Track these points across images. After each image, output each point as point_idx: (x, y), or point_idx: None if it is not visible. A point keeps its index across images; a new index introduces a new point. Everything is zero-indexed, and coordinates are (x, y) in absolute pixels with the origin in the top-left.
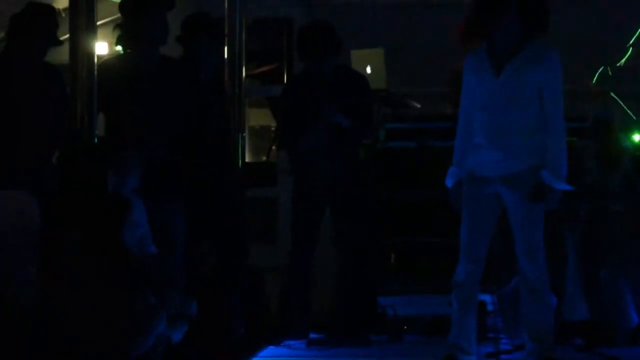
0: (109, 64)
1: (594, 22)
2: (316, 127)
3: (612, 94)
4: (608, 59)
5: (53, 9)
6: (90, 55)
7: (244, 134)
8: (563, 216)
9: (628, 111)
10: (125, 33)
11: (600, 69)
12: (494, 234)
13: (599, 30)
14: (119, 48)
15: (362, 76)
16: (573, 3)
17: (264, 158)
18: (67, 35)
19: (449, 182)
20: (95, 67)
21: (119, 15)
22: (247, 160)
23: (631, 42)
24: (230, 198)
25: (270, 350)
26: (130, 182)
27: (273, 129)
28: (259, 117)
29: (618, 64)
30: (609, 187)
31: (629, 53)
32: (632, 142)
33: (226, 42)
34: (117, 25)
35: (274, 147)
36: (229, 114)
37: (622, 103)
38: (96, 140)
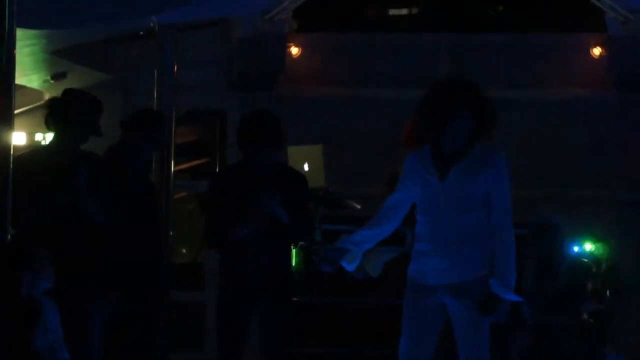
0: (27, 158)
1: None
2: (253, 217)
3: None
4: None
5: None
6: (7, 147)
7: (171, 233)
8: (507, 327)
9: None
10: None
11: None
12: (437, 347)
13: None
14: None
15: (301, 174)
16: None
17: (192, 259)
18: None
19: (339, 243)
20: (12, 160)
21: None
22: (173, 260)
23: None
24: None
25: None
26: (43, 283)
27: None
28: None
29: None
30: (549, 297)
31: None
32: (577, 250)
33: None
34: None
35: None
36: (158, 209)
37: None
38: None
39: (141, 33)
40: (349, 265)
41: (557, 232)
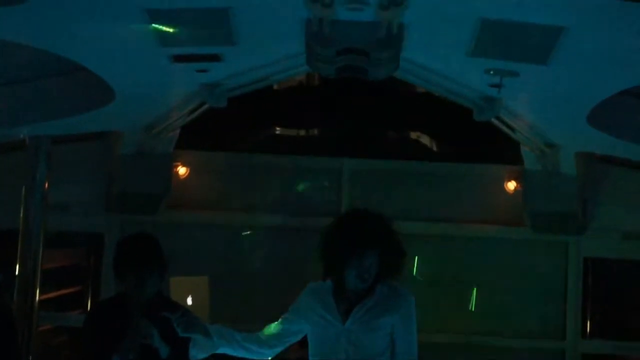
0: None
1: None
2: (131, 347)
3: None
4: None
5: None
6: None
7: None
8: None
9: None
10: None
11: None
12: None
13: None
14: None
15: (184, 309)
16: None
17: None
18: None
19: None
20: None
21: None
22: None
23: None
24: None
25: None
26: None
27: None
28: None
29: None
30: None
31: None
32: None
33: (18, 260)
34: None
35: None
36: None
37: None
38: None
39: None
40: (199, 349)
41: None
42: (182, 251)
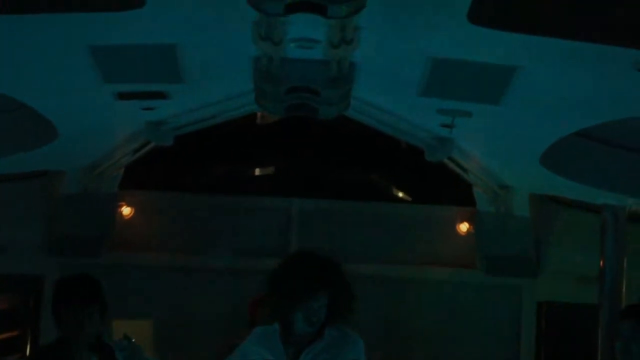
0: None
1: None
2: None
3: None
4: None
5: None
6: None
7: None
8: None
9: None
10: None
11: None
12: None
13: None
14: None
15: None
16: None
17: None
18: None
19: None
20: None
21: None
22: None
23: None
24: None
25: None
26: None
27: None
28: None
29: None
30: None
31: None
32: None
33: None
34: None
35: None
36: None
37: None
38: None
39: None
40: None
41: None
42: (126, 294)
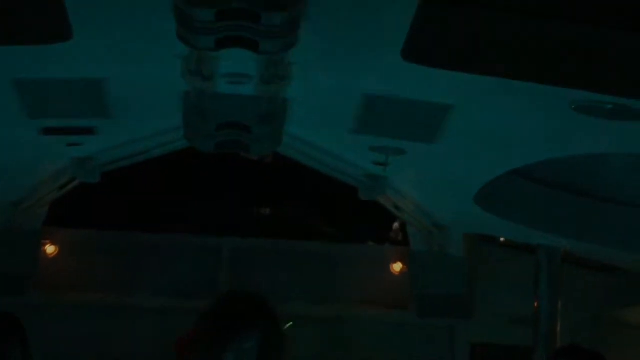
0: None
1: None
2: None
3: None
4: None
5: None
6: None
7: None
8: None
9: None
10: None
11: None
12: None
13: None
14: None
15: None
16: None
17: None
18: None
19: None
20: None
21: None
22: None
23: None
24: None
25: None
26: None
27: None
28: None
29: None
30: None
31: None
32: None
33: None
34: None
35: None
36: None
37: None
38: None
39: None
40: None
41: None
42: (51, 334)
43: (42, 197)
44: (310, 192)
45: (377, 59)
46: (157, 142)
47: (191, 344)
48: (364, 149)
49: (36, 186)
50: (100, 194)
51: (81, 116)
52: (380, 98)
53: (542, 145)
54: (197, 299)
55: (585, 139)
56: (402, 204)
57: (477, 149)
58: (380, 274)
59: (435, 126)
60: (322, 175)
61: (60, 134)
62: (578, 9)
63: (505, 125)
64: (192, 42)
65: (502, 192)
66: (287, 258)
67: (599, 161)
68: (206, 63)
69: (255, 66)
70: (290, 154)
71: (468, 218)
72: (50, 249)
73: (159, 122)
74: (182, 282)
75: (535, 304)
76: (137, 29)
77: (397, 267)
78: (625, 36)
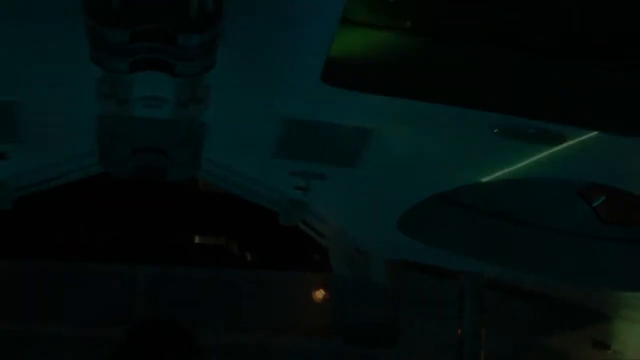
0: None
1: None
2: None
3: None
4: None
5: None
6: None
7: None
8: None
9: None
10: None
11: None
12: None
13: None
14: None
15: None
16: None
17: None
18: None
19: None
20: None
21: None
22: None
23: None
24: None
25: None
26: None
27: None
28: None
29: None
30: None
31: None
32: None
33: None
34: None
35: None
36: None
37: None
38: None
39: None
40: None
41: None
42: None
43: None
44: (230, 218)
45: (297, 82)
46: (71, 166)
47: None
48: (284, 173)
49: None
50: (11, 222)
51: None
52: (300, 122)
53: (465, 170)
54: (112, 327)
55: (508, 163)
56: (324, 229)
57: (399, 173)
58: (302, 301)
59: (355, 150)
60: (243, 200)
61: None
62: (501, 33)
63: (427, 150)
64: (105, 65)
65: (424, 217)
66: (207, 286)
67: (523, 185)
68: (120, 86)
69: (171, 89)
70: (209, 179)
71: (391, 244)
72: None
73: (73, 146)
74: (95, 311)
75: (459, 331)
76: (50, 50)
77: (320, 294)
78: (544, 60)
